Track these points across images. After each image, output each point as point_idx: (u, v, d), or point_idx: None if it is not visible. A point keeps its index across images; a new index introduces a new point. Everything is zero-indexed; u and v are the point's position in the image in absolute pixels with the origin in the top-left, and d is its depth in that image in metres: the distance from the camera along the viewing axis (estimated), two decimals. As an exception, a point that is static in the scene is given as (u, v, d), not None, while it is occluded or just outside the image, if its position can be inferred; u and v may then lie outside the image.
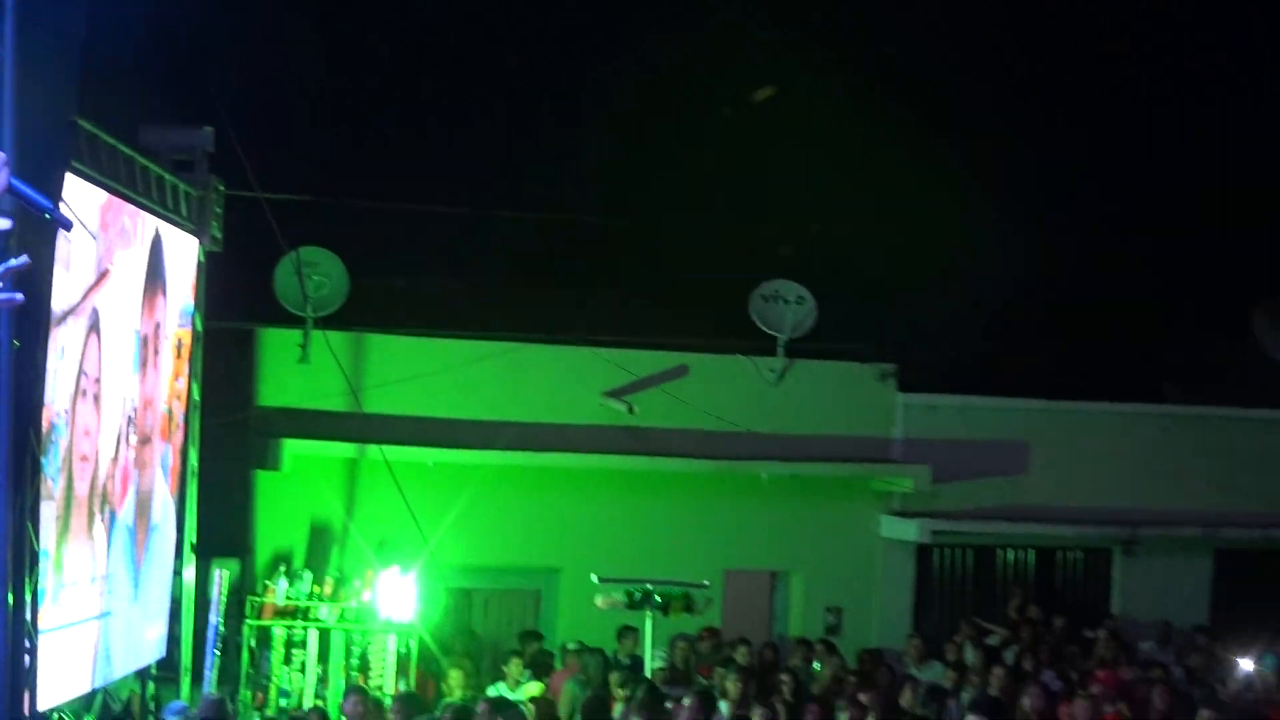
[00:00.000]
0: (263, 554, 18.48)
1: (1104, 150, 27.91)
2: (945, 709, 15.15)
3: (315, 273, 18.75)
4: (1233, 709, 14.45)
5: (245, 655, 16.91)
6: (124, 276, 13.20)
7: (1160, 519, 21.96)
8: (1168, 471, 22.08)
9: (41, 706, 11.23)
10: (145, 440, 14.24)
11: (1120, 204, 27.06)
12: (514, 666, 16.66)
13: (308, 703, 16.30)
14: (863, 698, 14.86)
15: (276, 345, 18.92)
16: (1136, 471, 22.04)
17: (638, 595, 16.62)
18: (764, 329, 20.87)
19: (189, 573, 16.00)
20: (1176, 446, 22.28)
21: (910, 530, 20.83)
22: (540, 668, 17.02)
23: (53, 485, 11.52)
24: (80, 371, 12.05)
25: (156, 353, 14.44)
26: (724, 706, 14.63)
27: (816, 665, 17.92)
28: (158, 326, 14.43)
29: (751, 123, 27.42)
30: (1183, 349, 25.80)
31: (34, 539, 10.79)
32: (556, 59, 25.69)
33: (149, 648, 14.91)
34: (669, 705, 14.29)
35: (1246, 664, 16.71)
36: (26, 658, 10.75)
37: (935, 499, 20.98)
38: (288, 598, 17.02)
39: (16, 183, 4.47)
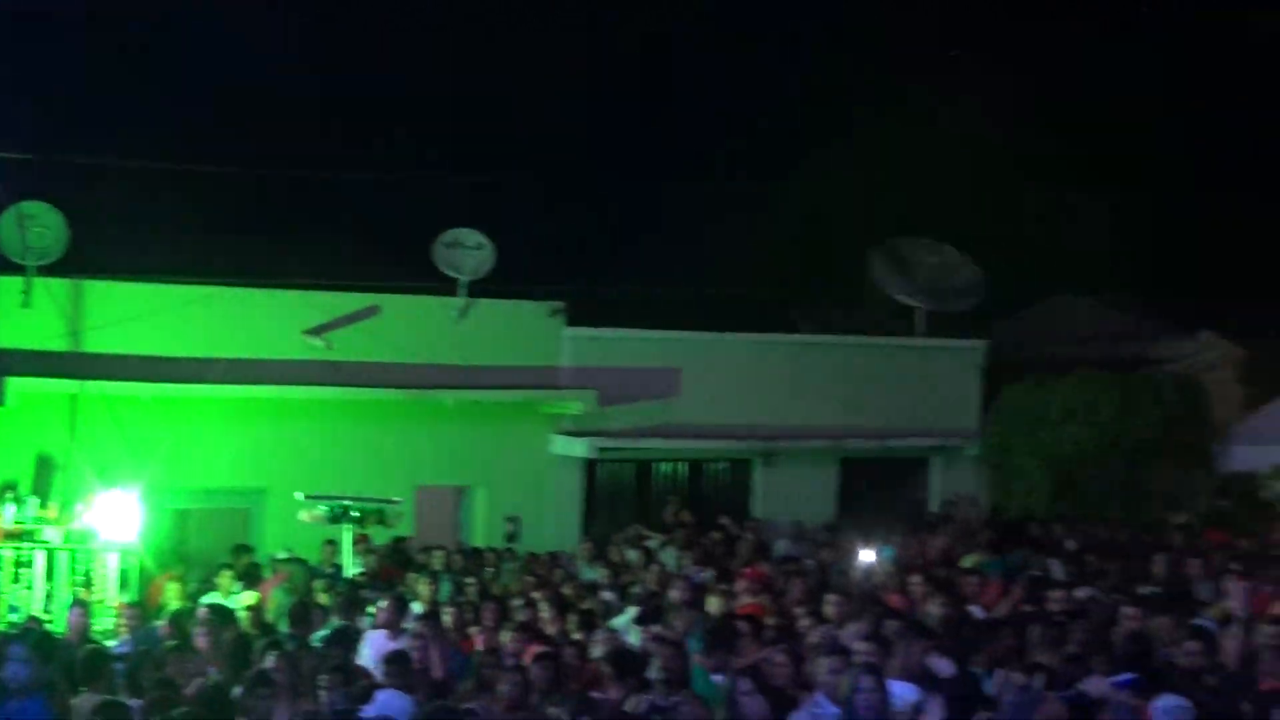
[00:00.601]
0: (-10, 483, 18.25)
1: (742, 105, 28.78)
2: (606, 603, 15.57)
3: (35, 224, 18.58)
4: (856, 595, 14.96)
5: (-25, 577, 16.68)
6: None
7: (794, 433, 22.80)
8: (800, 392, 22.90)
9: None
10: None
11: (755, 158, 27.97)
12: (224, 578, 16.72)
13: (38, 618, 16.11)
14: (535, 595, 15.21)
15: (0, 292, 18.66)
16: (773, 392, 22.80)
17: (337, 510, 16.85)
18: (447, 272, 21.14)
19: (-78, 502, 15.70)
20: (807, 370, 23.12)
21: (579, 447, 21.39)
22: (250, 578, 17.09)
23: None
24: None
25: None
26: (417, 607, 14.86)
27: (488, 570, 18.25)
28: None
29: (437, 82, 27.55)
30: (811, 285, 26.80)
31: None
32: (272, 20, 25.55)
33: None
34: (370, 609, 14.52)
35: (868, 556, 17.21)
36: None
37: (600, 420, 21.51)
38: (15, 522, 16.82)
39: None
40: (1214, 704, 9.70)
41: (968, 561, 17.70)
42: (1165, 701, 9.39)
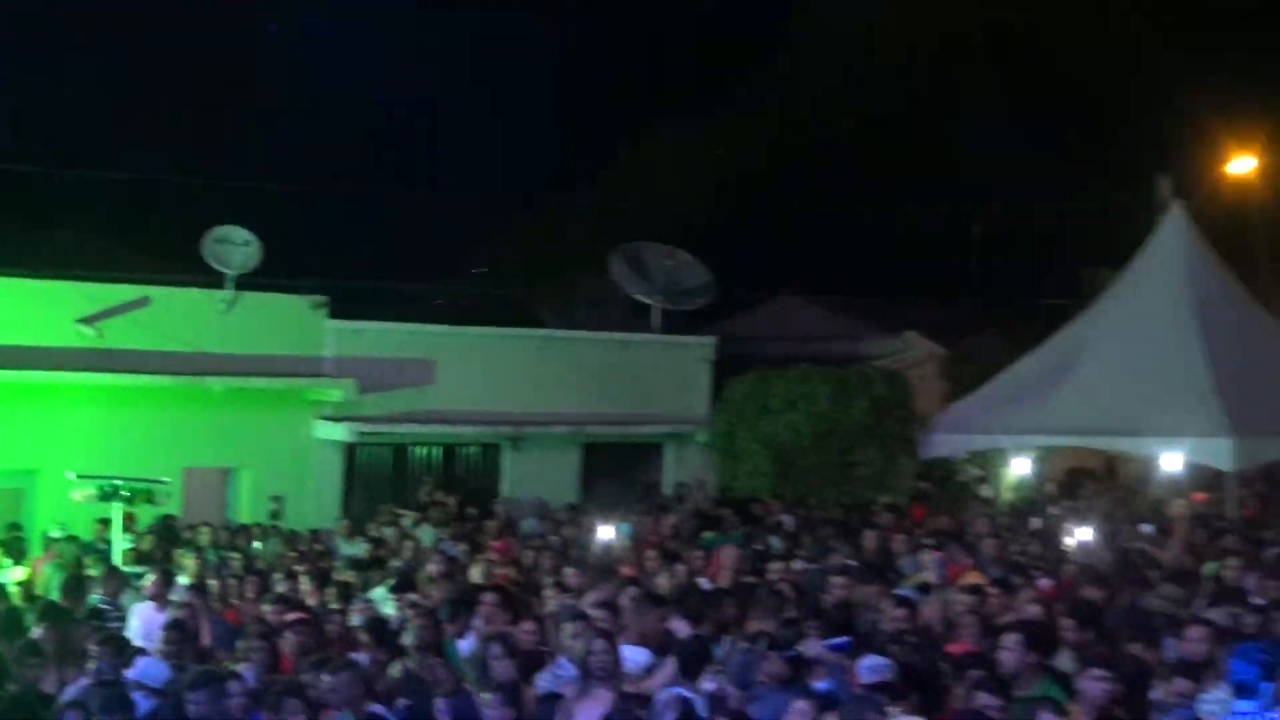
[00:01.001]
0: None
1: (497, 114, 29.00)
2: (364, 576, 15.54)
3: None
4: (594, 568, 15.12)
5: None
6: None
7: (539, 420, 22.98)
8: (545, 382, 23.07)
9: None
10: None
11: (506, 167, 28.21)
12: (-9, 554, 16.37)
13: None
14: (297, 569, 15.16)
15: None
16: (520, 382, 22.93)
17: (108, 489, 16.47)
18: (215, 266, 20.86)
19: None
20: (551, 362, 23.31)
21: (339, 432, 21.32)
22: (20, 554, 16.68)
23: None
24: None
25: None
26: (183, 580, 14.66)
27: (257, 544, 18.11)
28: None
29: (208, 80, 27.21)
30: (554, 283, 27.05)
31: None
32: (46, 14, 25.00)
33: None
34: (139, 582, 14.30)
35: (607, 532, 17.36)
36: None
37: (360, 406, 21.43)
38: None
39: None
40: (914, 663, 10.09)
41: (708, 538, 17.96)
42: (870, 661, 9.78)
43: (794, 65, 30.79)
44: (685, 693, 9.75)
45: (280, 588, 14.38)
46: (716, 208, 29.55)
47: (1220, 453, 19.49)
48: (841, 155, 31.43)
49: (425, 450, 22.79)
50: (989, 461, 24.40)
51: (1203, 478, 21.48)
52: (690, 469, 24.23)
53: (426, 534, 18.60)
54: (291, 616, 12.38)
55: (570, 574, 14.34)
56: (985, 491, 24.26)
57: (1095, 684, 9.09)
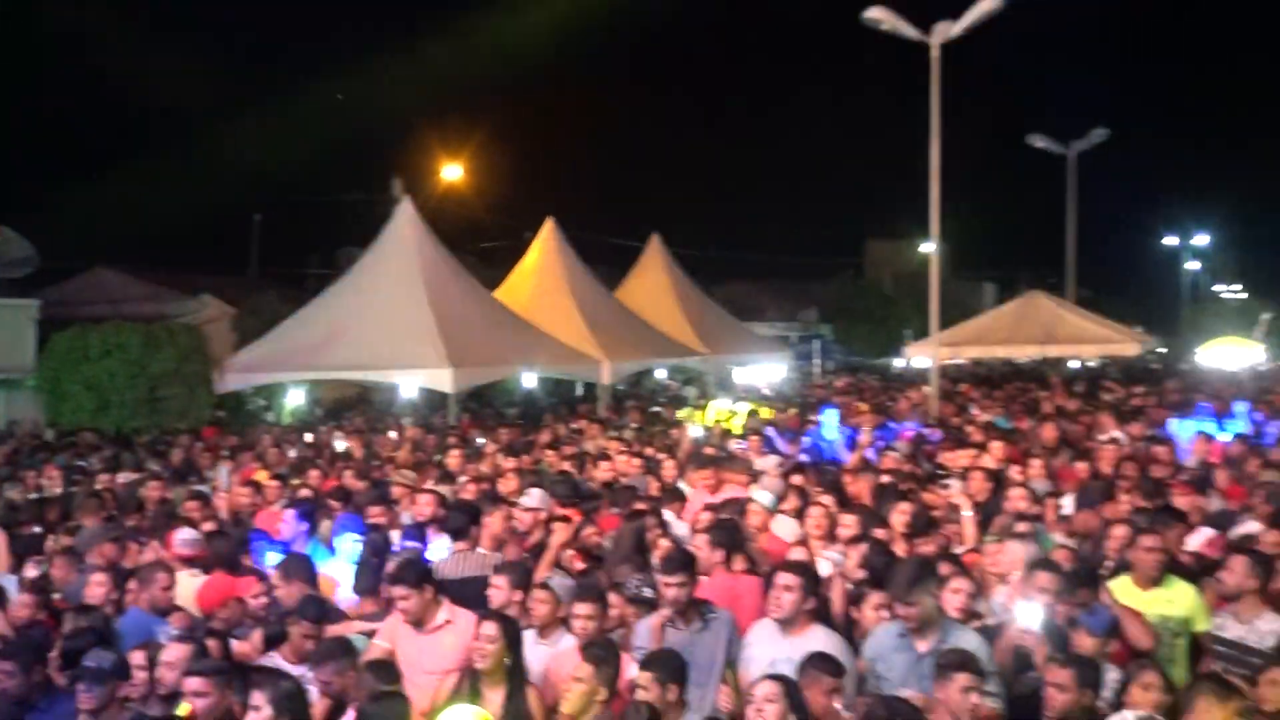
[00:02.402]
0: None
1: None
2: None
3: None
4: None
5: None
6: None
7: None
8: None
9: None
10: None
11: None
12: None
13: None
14: None
15: None
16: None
17: None
18: None
19: None
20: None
21: None
22: None
23: None
24: None
25: None
26: None
27: None
28: None
29: None
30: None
31: None
32: None
33: None
34: None
35: None
36: None
37: None
38: None
39: None
40: (218, 534, 10.46)
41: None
42: (182, 534, 10.09)
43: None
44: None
45: None
46: (41, 187, 28.19)
47: (443, 379, 21.05)
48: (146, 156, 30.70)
49: None
50: (272, 393, 24.94)
51: (432, 399, 23.16)
52: (21, 409, 23.16)
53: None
54: None
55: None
56: (270, 416, 24.85)
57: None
